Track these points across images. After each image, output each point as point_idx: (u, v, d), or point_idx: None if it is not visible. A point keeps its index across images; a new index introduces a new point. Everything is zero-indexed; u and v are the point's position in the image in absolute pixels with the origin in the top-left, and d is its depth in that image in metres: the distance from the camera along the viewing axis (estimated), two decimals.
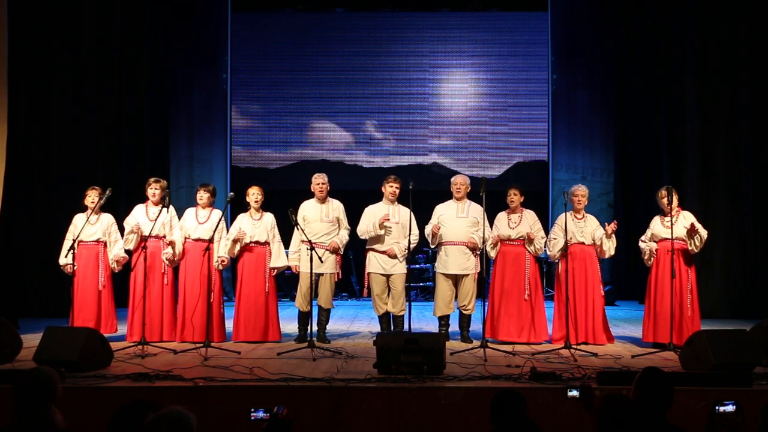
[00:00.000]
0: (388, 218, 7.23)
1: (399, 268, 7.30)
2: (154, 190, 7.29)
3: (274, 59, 12.47)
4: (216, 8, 12.20)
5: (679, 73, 10.70)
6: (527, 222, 7.25)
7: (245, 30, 12.46)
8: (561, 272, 7.05)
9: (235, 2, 12.39)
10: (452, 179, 7.60)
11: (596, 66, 12.04)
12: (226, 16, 12.29)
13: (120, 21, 10.78)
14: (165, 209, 7.01)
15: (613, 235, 7.12)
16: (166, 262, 7.22)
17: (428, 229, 7.41)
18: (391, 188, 7.40)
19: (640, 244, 7.17)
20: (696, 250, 6.86)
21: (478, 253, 7.24)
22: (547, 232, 7.49)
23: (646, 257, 7.09)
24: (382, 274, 7.31)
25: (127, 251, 7.30)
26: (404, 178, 7.35)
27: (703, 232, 6.81)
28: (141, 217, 7.25)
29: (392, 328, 7.34)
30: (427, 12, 12.53)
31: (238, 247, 7.19)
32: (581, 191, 7.26)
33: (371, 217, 7.36)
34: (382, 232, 7.26)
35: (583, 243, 7.13)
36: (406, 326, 6.95)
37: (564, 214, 6.92)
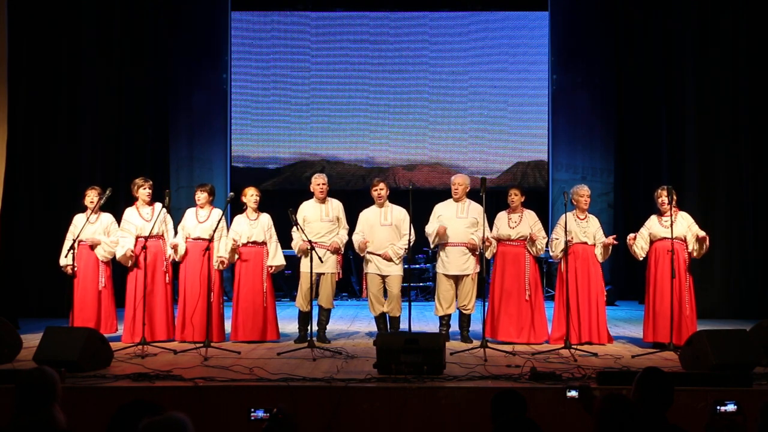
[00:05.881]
0: (366, 246, 7.28)
1: (395, 270, 7.30)
2: (148, 190, 7.29)
3: (274, 59, 12.47)
4: (216, 8, 12.20)
5: (679, 73, 10.69)
6: (527, 222, 7.24)
7: (245, 30, 12.46)
8: (562, 272, 7.05)
9: (235, 2, 12.39)
10: (451, 179, 7.60)
11: (596, 66, 12.04)
12: (226, 16, 12.29)
13: (120, 21, 10.77)
14: (165, 208, 7.00)
15: (608, 246, 7.14)
16: (171, 252, 7.20)
17: (430, 229, 7.38)
18: (375, 192, 7.42)
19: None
20: (698, 257, 6.96)
21: (478, 253, 7.24)
22: (547, 232, 7.49)
23: (630, 243, 7.05)
24: (378, 275, 7.32)
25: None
26: (404, 178, 7.35)
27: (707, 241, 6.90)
28: (135, 219, 7.22)
29: (388, 328, 7.34)
30: (427, 12, 12.52)
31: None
32: (585, 191, 7.24)
33: (365, 222, 7.41)
34: (363, 255, 7.36)
35: (585, 243, 7.13)
36: (406, 326, 6.95)
37: (565, 213, 6.92)
